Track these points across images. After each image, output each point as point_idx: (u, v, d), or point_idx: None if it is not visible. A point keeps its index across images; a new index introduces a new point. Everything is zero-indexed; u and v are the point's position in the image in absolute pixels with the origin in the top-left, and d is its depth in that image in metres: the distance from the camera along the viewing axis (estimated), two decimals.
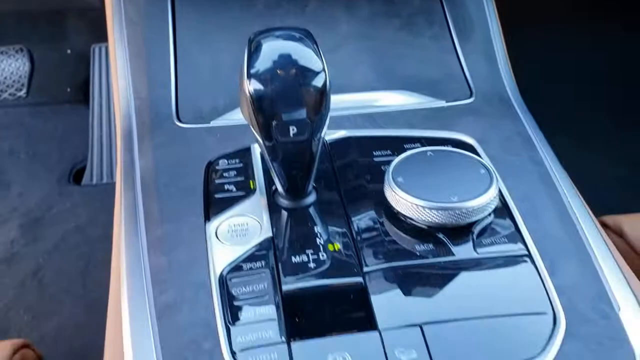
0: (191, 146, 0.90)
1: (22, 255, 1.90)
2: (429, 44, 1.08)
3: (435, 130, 0.93)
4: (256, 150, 0.88)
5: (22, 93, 2.27)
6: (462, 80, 1.04)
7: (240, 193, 0.83)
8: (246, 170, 0.86)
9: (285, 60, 0.70)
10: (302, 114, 0.71)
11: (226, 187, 0.83)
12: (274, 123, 0.71)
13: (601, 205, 1.19)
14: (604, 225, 1.17)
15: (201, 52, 1.05)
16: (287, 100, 0.70)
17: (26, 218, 1.99)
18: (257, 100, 0.70)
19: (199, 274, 0.72)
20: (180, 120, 0.95)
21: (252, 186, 0.83)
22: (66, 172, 2.12)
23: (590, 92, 2.32)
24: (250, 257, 0.74)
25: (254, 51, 0.71)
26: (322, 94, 0.71)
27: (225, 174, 0.85)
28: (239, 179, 0.85)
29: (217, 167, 0.86)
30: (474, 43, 1.07)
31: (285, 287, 0.70)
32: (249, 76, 0.70)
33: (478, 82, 1.03)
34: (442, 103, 1.00)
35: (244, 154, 0.88)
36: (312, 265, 0.73)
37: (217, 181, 0.84)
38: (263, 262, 0.73)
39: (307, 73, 0.70)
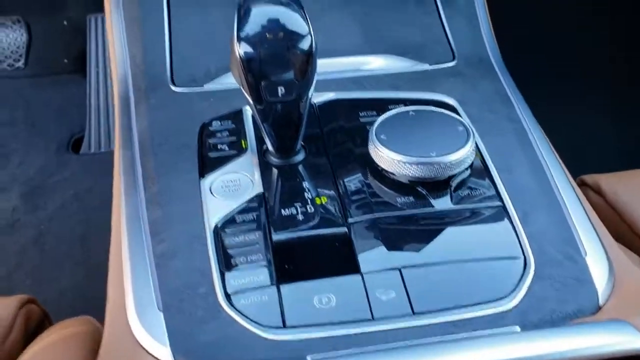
0: (186, 109, 0.94)
1: (23, 222, 1.95)
2: (413, 9, 1.11)
3: (418, 92, 0.98)
4: (248, 112, 0.93)
5: (21, 64, 2.30)
6: (445, 44, 1.08)
7: (233, 152, 0.87)
8: (238, 130, 0.90)
9: (273, 24, 0.74)
10: (289, 75, 0.75)
11: (219, 146, 0.88)
12: (263, 84, 0.75)
13: (581, 165, 1.24)
14: (583, 183, 1.21)
15: (194, 18, 1.08)
16: (276, 62, 0.75)
17: (26, 187, 2.03)
18: (247, 62, 0.74)
19: (195, 226, 0.77)
20: (175, 85, 0.99)
21: (243, 145, 0.88)
22: (65, 141, 2.15)
23: (575, 58, 2.35)
24: (243, 211, 0.79)
25: (243, 16, 0.75)
26: (309, 56, 0.75)
27: (218, 135, 0.90)
28: (231, 139, 0.89)
29: (210, 128, 0.91)
30: (457, 7, 1.11)
31: (275, 237, 0.75)
32: (239, 39, 0.74)
33: (460, 46, 1.07)
34: (425, 66, 1.04)
35: (236, 115, 0.93)
36: (300, 217, 0.78)
37: (210, 141, 0.89)
38: (255, 215, 0.78)
39: (294, 36, 0.74)
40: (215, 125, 0.91)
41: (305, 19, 0.75)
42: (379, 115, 0.89)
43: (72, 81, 2.29)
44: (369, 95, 0.97)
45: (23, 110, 2.22)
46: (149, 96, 0.97)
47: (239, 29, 0.74)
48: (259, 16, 0.74)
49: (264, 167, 0.85)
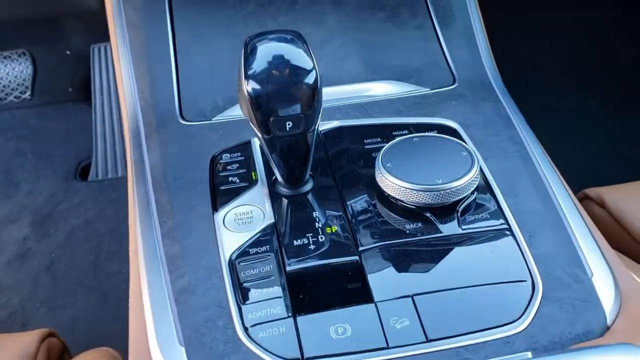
0: (196, 142, 0.97)
1: (34, 251, 1.97)
2: (413, 35, 1.14)
3: (421, 117, 1.00)
4: (256, 143, 0.95)
5: (27, 95, 2.34)
6: (446, 68, 1.10)
7: (244, 184, 0.89)
8: (247, 162, 0.93)
9: (279, 61, 0.76)
10: (296, 109, 0.77)
11: (230, 179, 0.90)
12: (271, 119, 0.77)
13: (584, 179, 1.26)
14: (587, 197, 1.23)
15: (199, 51, 1.11)
16: (283, 98, 0.77)
17: (36, 215, 2.06)
18: (255, 99, 0.76)
19: (210, 260, 0.79)
20: (183, 118, 1.01)
21: (253, 177, 0.90)
22: (72, 169, 2.18)
23: (573, 76, 2.38)
24: (256, 242, 0.81)
25: (249, 54, 0.77)
26: (314, 90, 0.77)
27: (229, 167, 0.92)
28: (241, 171, 0.91)
29: (220, 161, 0.93)
30: (456, 32, 1.13)
31: (289, 268, 0.77)
32: (247, 77, 0.76)
33: (460, 69, 1.09)
34: (427, 90, 1.06)
35: (245, 147, 0.95)
36: (312, 247, 0.80)
37: (221, 174, 0.91)
38: (267, 246, 0.80)
39: (300, 72, 0.76)
40: (225, 157, 0.93)
41: (309, 54, 0.77)
42: (383, 141, 0.91)
43: (77, 109, 2.33)
44: (373, 121, 1.00)
45: (30, 140, 2.25)
46: (159, 131, 0.99)
47: (246, 67, 0.76)
48: (264, 53, 0.76)
49: (274, 198, 0.87)
